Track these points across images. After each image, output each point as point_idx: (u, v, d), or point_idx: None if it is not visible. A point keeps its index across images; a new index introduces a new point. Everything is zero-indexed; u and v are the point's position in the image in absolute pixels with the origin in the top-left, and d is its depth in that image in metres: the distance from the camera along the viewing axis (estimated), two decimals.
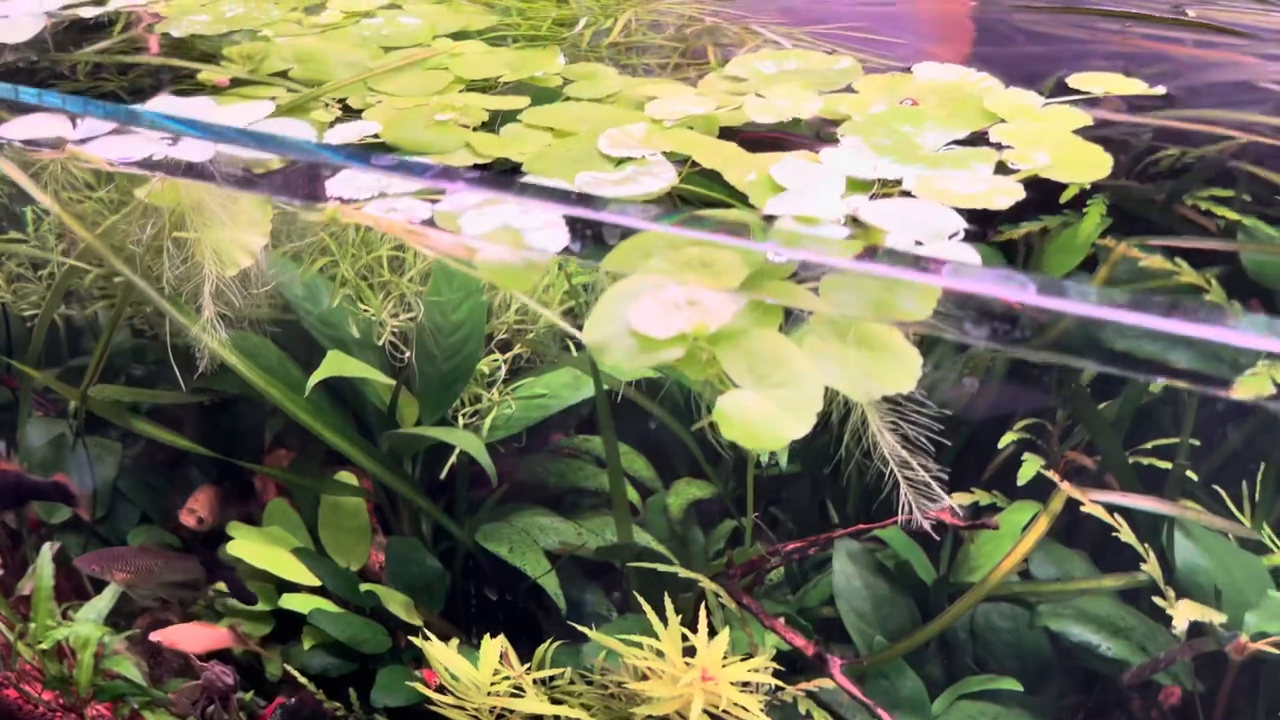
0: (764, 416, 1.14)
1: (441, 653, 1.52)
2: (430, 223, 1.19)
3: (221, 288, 1.40)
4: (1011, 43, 1.92)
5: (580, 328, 1.78)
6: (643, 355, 1.17)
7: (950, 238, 1.20)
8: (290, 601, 1.72)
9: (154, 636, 1.79)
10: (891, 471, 1.32)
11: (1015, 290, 0.95)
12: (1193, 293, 1.43)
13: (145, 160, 1.29)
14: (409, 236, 1.23)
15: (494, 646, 1.51)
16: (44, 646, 1.81)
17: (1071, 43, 1.91)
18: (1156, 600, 1.50)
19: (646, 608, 1.44)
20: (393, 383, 1.65)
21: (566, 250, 1.14)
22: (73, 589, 1.92)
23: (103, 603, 1.84)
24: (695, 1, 2.01)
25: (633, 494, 1.73)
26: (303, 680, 1.69)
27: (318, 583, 1.75)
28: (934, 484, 1.22)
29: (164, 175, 1.28)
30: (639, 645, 1.44)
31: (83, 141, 1.33)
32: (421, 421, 1.69)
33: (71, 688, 1.81)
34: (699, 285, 1.12)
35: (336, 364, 1.59)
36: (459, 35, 1.78)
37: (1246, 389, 0.96)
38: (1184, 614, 1.39)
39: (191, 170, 1.28)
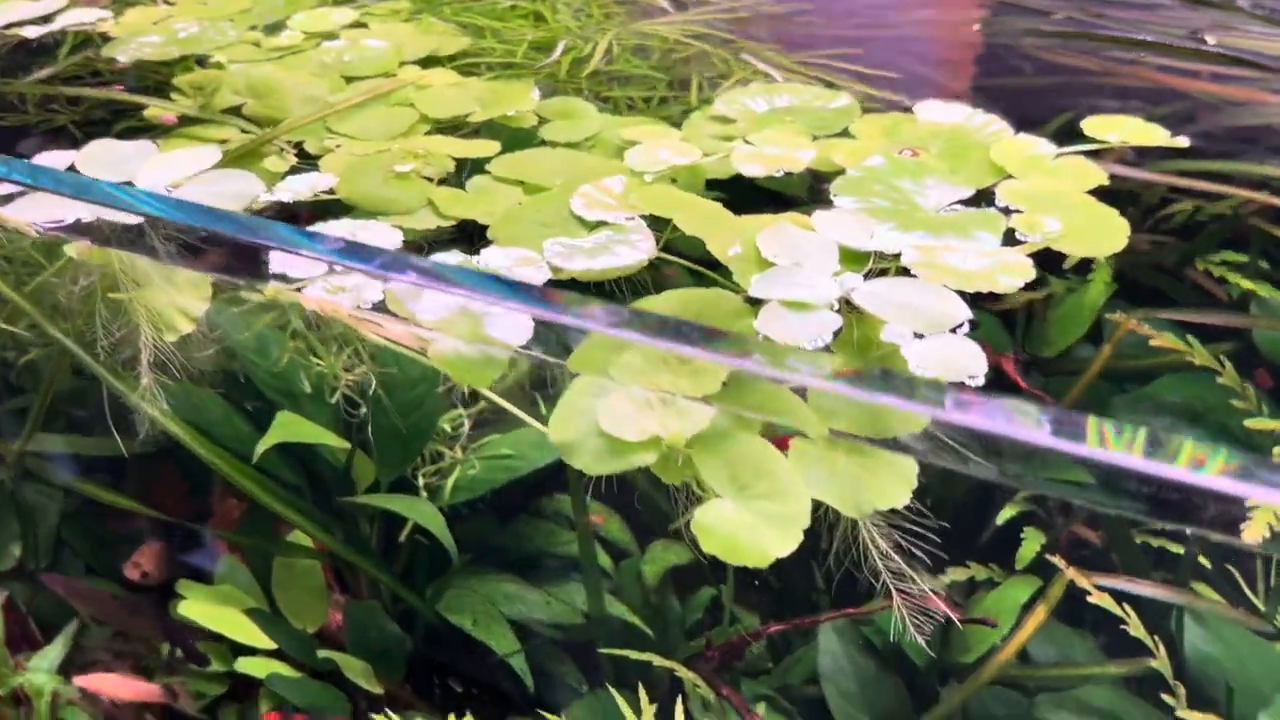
0: (747, 531, 1.04)
1: None
2: (381, 305, 1.09)
3: (161, 356, 1.29)
4: (1019, 73, 1.81)
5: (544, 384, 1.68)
6: (613, 459, 1.06)
7: (955, 330, 1.10)
8: (246, 665, 1.62)
9: (78, 681, 1.69)
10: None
11: (1027, 429, 0.85)
12: (1205, 372, 1.33)
13: (76, 225, 1.18)
14: (356, 323, 1.13)
15: None
16: (1, 693, 1.73)
17: (1082, 74, 1.80)
18: (1166, 698, 1.40)
19: (619, 699, 1.34)
20: (347, 445, 1.54)
21: (528, 347, 1.04)
22: (23, 636, 1.82)
23: (54, 652, 1.75)
24: (682, 21, 1.89)
25: (605, 559, 1.62)
26: None
27: (273, 645, 1.64)
28: (931, 596, 1.12)
29: (96, 243, 1.17)
30: None
31: (6, 199, 1.21)
32: (379, 482, 1.58)
33: None
34: (675, 388, 1.01)
35: (287, 428, 1.48)
36: (428, 61, 1.66)
37: (1254, 530, 0.87)
38: None
39: (127, 236, 1.17)
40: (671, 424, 1.03)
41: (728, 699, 1.43)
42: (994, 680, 1.53)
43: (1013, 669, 1.54)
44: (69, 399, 1.71)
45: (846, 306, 1.13)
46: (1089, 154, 1.42)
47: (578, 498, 1.55)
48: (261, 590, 1.71)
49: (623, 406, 1.05)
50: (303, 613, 1.70)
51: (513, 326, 1.04)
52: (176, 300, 1.26)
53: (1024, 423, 0.84)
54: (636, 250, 1.20)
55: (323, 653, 1.66)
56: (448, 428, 1.58)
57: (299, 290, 1.07)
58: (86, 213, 1.17)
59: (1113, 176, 1.39)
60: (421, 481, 1.58)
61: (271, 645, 1.64)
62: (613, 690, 1.34)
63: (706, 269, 1.21)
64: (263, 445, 1.46)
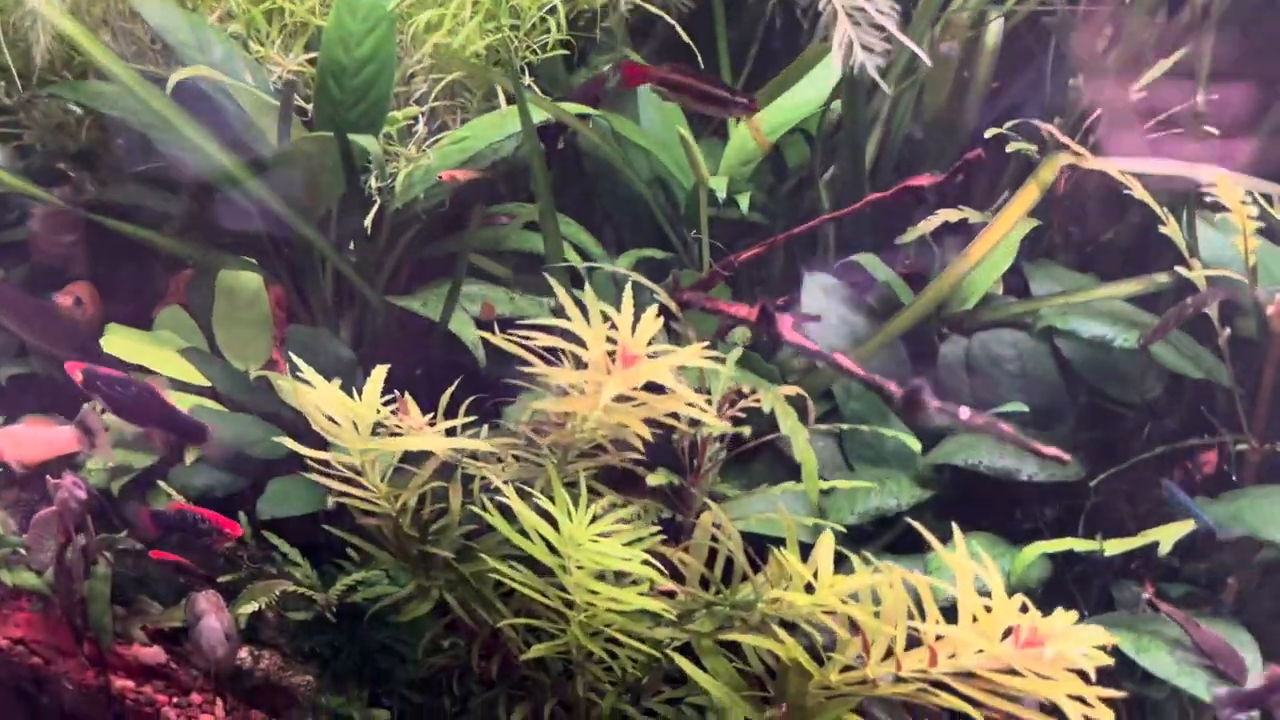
0: None
1: (319, 393, 1.24)
2: None
3: None
4: None
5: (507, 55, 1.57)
6: None
7: None
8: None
9: None
10: None
11: None
12: None
13: None
14: None
15: (379, 374, 1.24)
16: None
17: None
18: (1180, 270, 1.26)
19: (565, 299, 1.19)
20: (275, 102, 1.43)
21: None
22: None
23: None
24: None
25: (574, 256, 1.49)
26: (176, 496, 1.44)
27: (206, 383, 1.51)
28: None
29: None
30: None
31: None
32: (325, 184, 1.47)
33: None
34: None
35: (201, 71, 1.38)
36: None
37: None
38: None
39: None
40: None
41: (688, 303, 1.28)
42: (996, 320, 1.39)
43: (1015, 306, 1.39)
44: None
45: None
46: None
47: (544, 195, 1.42)
48: (206, 341, 1.57)
49: None
50: (243, 350, 1.56)
51: None
52: None
53: None
54: None
55: (257, 373, 1.51)
56: (400, 118, 1.47)
57: None
58: None
59: None
60: (374, 184, 1.47)
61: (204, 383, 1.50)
62: (561, 291, 1.19)
63: None
64: (176, 77, 1.35)
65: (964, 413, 1.05)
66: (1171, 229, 1.23)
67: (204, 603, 1.42)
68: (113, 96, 1.46)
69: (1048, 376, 1.33)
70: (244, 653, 1.49)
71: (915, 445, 1.12)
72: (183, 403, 1.47)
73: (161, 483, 1.47)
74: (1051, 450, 1.04)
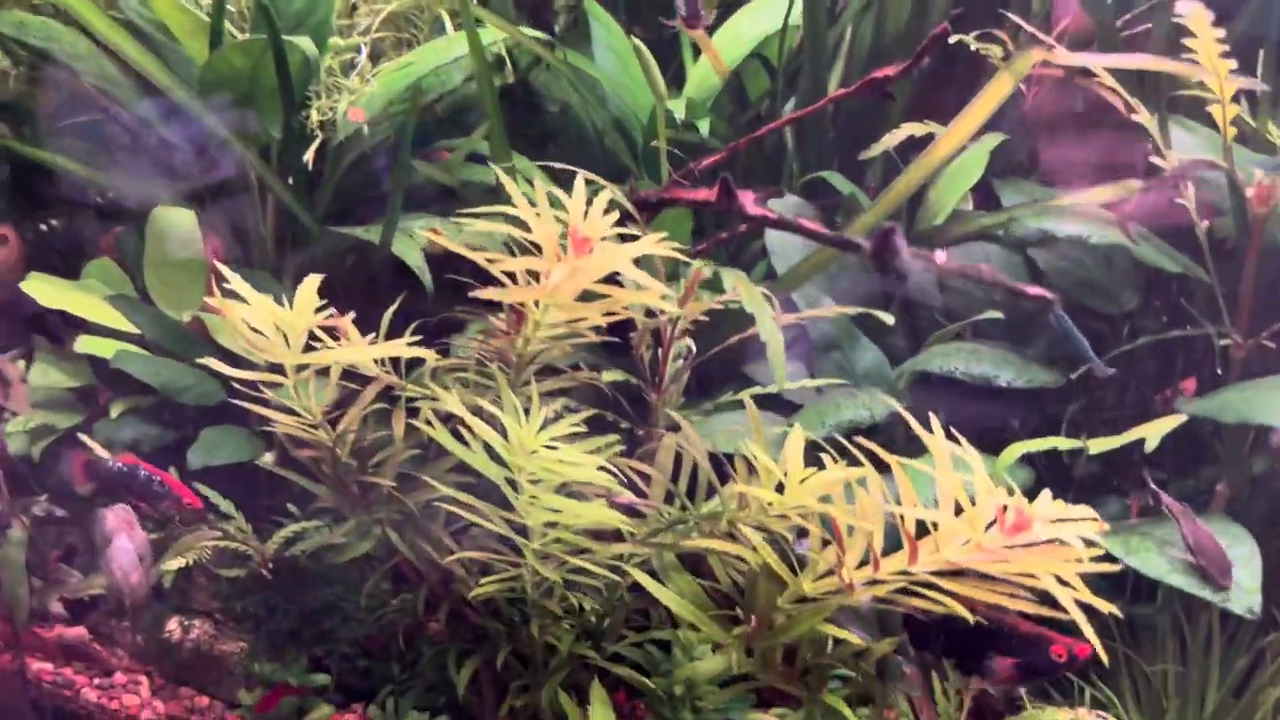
0: None
1: (248, 309, 1.15)
2: None
3: None
4: None
5: None
6: None
7: None
8: (89, 345, 1.40)
9: None
10: None
11: None
12: None
13: None
14: None
15: (311, 282, 1.14)
16: None
17: None
18: (1153, 159, 1.21)
19: (511, 187, 1.12)
20: (204, 20, 1.36)
21: None
22: None
23: None
24: None
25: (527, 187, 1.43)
26: (99, 450, 1.35)
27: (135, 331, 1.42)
28: None
29: None
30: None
31: None
32: (264, 109, 1.40)
33: None
34: None
35: None
36: None
37: None
38: None
39: None
40: None
41: (644, 199, 1.21)
42: (965, 235, 1.33)
43: (985, 219, 1.33)
44: None
45: None
46: None
47: (493, 115, 1.36)
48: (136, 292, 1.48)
49: None
50: (176, 297, 1.46)
51: None
52: None
53: None
54: None
55: (188, 313, 1.42)
56: (342, 43, 1.41)
57: None
58: None
59: None
60: (315, 117, 1.40)
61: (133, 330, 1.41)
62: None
63: None
64: None
65: (940, 256, 1.00)
66: (1144, 118, 1.19)
67: (113, 520, 1.30)
68: (37, 27, 1.40)
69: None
70: (173, 624, 1.38)
71: (889, 319, 1.06)
72: (107, 348, 1.39)
73: (83, 436, 1.37)
74: (1035, 289, 0.98)
